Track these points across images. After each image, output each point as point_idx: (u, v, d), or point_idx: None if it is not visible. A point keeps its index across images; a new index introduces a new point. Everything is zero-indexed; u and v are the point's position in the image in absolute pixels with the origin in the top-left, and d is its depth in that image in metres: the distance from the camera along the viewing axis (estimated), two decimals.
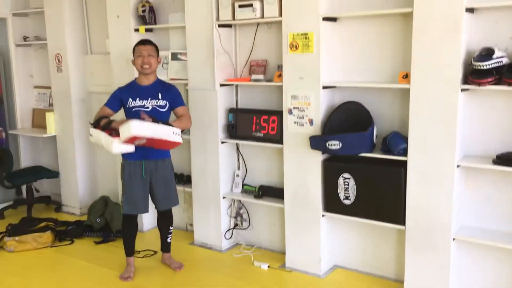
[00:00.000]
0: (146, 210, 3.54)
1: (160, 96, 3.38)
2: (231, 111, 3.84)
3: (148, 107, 3.36)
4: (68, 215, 4.93)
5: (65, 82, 4.77)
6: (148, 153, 3.37)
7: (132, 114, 3.33)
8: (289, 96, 3.43)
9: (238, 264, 3.75)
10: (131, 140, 3.09)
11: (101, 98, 4.73)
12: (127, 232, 3.57)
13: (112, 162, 4.67)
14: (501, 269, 3.03)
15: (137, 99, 3.37)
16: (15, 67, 5.14)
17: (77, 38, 4.75)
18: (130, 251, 3.59)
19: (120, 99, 3.41)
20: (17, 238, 4.05)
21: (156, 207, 3.59)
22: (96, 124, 3.29)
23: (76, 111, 4.81)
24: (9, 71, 5.16)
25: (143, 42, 3.43)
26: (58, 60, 4.76)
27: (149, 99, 3.38)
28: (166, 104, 3.41)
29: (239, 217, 4.04)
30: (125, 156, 3.39)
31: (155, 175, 3.44)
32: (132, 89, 3.43)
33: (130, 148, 3.17)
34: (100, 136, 3.18)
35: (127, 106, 3.38)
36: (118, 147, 3.12)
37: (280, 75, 3.48)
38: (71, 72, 4.74)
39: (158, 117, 3.27)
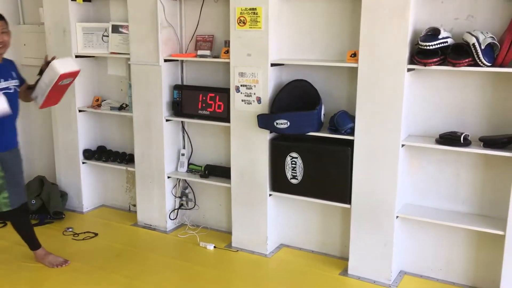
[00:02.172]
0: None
1: (14, 75, 3.11)
2: (176, 87, 3.70)
3: (11, 89, 3.05)
4: None
5: None
6: (10, 142, 3.13)
7: None
8: (237, 73, 3.34)
9: (184, 245, 3.67)
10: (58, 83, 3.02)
11: (34, 71, 4.41)
12: (26, 225, 3.31)
13: (49, 140, 4.43)
14: (441, 244, 3.13)
15: (1, 80, 2.99)
16: None
17: (8, 6, 4.38)
18: (37, 242, 3.33)
19: None
20: None
21: None
22: None
23: None
24: None
25: None
26: None
27: (9, 79, 3.06)
28: (18, 83, 3.15)
29: (185, 197, 3.95)
30: None
31: (11, 164, 3.12)
32: None
33: None
34: None
35: None
36: None
37: (227, 51, 3.38)
38: None
39: (14, 99, 3.07)
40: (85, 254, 3.51)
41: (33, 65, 4.41)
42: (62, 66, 3.01)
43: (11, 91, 3.05)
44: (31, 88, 3.15)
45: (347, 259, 3.27)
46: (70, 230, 3.89)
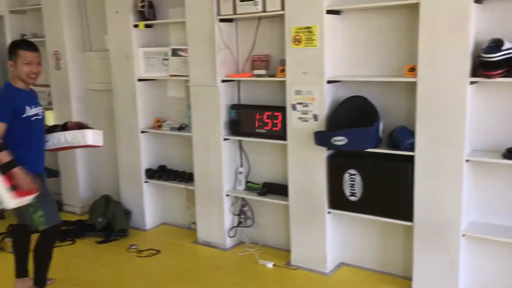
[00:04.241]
0: None
1: (40, 103, 3.19)
2: (233, 107, 3.77)
3: (40, 115, 3.13)
4: (69, 214, 4.87)
5: (64, 80, 4.71)
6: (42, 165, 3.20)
7: (31, 123, 3.03)
8: (293, 91, 3.36)
9: (243, 263, 3.69)
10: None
11: (100, 95, 4.70)
12: (24, 247, 3.29)
13: (113, 161, 4.62)
14: (511, 264, 2.97)
15: (32, 106, 3.05)
16: None
17: (76, 34, 4.68)
18: (26, 269, 3.28)
19: (14, 108, 2.95)
20: None
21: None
22: None
23: (75, 109, 4.73)
24: (6, 69, 5.08)
25: (30, 47, 3.02)
26: (57, 57, 4.69)
27: (38, 106, 3.13)
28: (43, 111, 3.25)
29: (243, 215, 3.99)
30: (33, 168, 3.00)
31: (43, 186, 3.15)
32: (22, 96, 3.03)
33: (25, 202, 2.93)
34: None
35: (25, 115, 2.98)
36: (15, 203, 2.89)
37: (283, 70, 3.42)
38: (70, 70, 4.67)
39: (43, 125, 3.21)
40: (148, 271, 3.61)
41: (99, 90, 4.68)
42: (94, 138, 3.24)
43: (40, 117, 3.14)
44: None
45: (410, 279, 3.16)
46: (134, 247, 4.01)
